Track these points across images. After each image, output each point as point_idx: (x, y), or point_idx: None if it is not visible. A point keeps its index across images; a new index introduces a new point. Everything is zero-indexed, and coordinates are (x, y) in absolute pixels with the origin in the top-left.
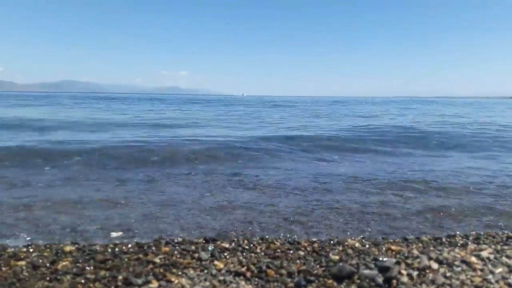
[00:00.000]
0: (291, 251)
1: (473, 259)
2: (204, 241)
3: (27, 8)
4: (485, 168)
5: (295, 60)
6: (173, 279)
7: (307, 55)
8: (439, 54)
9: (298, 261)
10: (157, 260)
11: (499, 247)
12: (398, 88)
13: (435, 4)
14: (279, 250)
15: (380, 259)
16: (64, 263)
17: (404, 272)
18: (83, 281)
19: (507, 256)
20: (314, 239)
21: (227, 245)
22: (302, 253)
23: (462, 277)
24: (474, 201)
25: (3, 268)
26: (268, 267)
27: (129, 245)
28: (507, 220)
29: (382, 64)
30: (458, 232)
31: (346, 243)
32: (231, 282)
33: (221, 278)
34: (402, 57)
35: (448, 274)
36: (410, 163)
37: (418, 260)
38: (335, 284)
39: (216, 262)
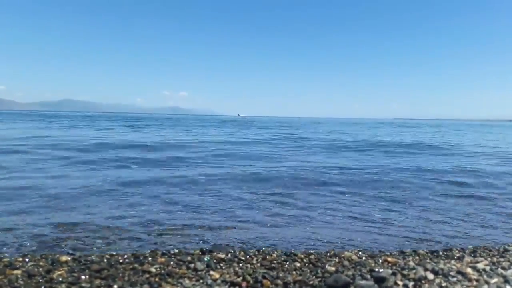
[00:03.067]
0: (287, 263)
1: (469, 270)
2: (200, 253)
3: (28, 27)
4: None
5: (297, 81)
6: None
7: (308, 77)
8: (437, 77)
9: (294, 272)
10: (152, 269)
11: (495, 259)
12: (397, 111)
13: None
14: (275, 262)
15: (376, 270)
16: (59, 272)
17: (400, 282)
18: None
19: (503, 268)
20: (311, 251)
21: (223, 256)
22: (298, 264)
23: (458, 287)
24: None
25: None
26: (264, 277)
27: (125, 256)
28: None
29: (382, 86)
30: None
31: (343, 255)
32: None
33: None
34: (401, 80)
35: (443, 284)
36: None
37: (414, 271)
38: None
39: (212, 272)
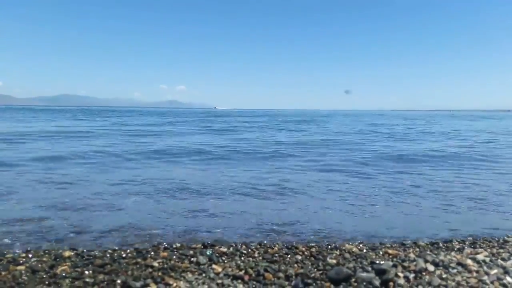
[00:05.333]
0: (289, 256)
1: (469, 261)
2: (202, 246)
3: (26, 23)
4: None
5: (290, 75)
6: (171, 282)
7: (304, 69)
8: (434, 68)
9: (295, 265)
10: (155, 264)
11: (495, 250)
12: (394, 103)
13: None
14: (277, 255)
15: (377, 262)
16: (63, 268)
17: (400, 274)
18: (82, 284)
19: (503, 259)
20: (312, 244)
21: (225, 250)
22: (299, 257)
23: (458, 278)
24: None
25: (2, 273)
26: (266, 270)
27: (128, 250)
28: None
29: (379, 78)
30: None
31: (344, 248)
32: (229, 286)
33: (219, 281)
34: (398, 71)
35: (444, 276)
36: None
37: (414, 263)
38: (332, 287)
39: (214, 266)
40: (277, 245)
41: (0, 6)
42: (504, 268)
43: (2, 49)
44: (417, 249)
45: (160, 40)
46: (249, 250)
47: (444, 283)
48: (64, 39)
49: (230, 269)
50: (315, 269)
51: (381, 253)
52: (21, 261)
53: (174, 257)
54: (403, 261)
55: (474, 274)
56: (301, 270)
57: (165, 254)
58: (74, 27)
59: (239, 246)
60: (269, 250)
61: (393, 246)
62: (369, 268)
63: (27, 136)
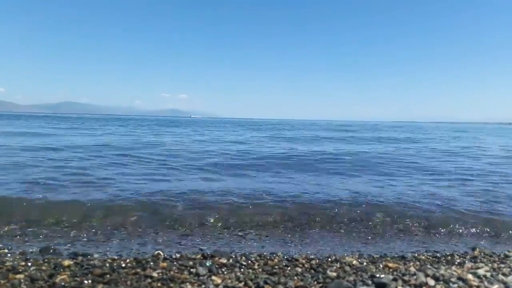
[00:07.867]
0: (289, 268)
1: (470, 276)
2: (202, 257)
3: (29, 30)
4: None
5: (295, 82)
6: None
7: (305, 78)
8: (435, 80)
9: (295, 277)
10: (155, 274)
11: (495, 265)
12: (396, 114)
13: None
14: (276, 267)
15: (377, 275)
16: (62, 277)
17: None
18: None
19: (503, 274)
20: (312, 256)
21: (224, 261)
22: (299, 269)
23: None
24: None
25: (2, 281)
26: (265, 283)
27: (127, 260)
28: None
29: (379, 87)
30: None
31: (344, 260)
32: None
33: None
34: (401, 83)
35: None
36: None
37: (415, 277)
38: None
39: (213, 277)
40: (277, 257)
41: (2, 12)
42: (505, 283)
43: (4, 55)
44: (418, 263)
45: (163, 48)
46: (249, 261)
47: None
48: (66, 46)
49: (229, 281)
50: (315, 282)
51: (381, 266)
52: (21, 270)
53: (174, 267)
54: (404, 274)
55: None
56: (301, 283)
57: (165, 264)
58: (76, 34)
59: (239, 258)
60: (269, 262)
61: (393, 259)
62: (369, 282)
63: None
